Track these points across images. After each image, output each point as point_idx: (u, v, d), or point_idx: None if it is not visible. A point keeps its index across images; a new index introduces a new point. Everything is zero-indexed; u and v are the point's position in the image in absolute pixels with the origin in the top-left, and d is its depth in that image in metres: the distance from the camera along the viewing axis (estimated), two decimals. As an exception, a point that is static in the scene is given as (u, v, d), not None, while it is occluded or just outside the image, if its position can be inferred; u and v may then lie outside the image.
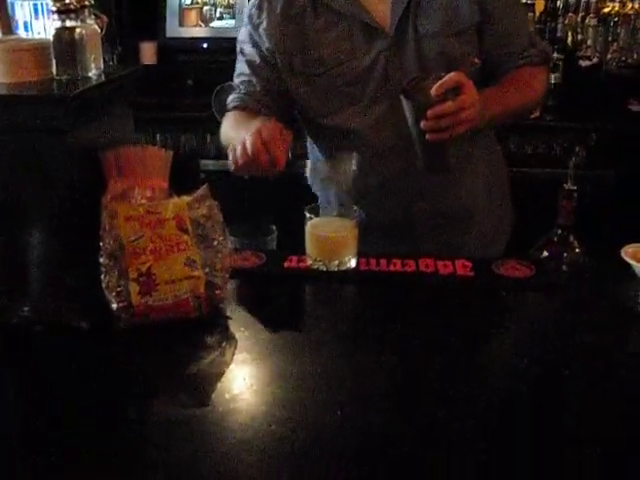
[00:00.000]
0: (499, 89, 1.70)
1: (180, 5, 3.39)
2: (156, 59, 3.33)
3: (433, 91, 1.42)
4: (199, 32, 3.37)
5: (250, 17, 1.78)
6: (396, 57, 1.68)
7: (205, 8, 3.39)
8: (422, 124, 1.44)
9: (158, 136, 3.14)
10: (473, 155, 1.82)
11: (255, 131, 1.42)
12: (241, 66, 1.82)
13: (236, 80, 1.83)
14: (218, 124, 3.11)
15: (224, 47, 3.29)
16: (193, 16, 3.40)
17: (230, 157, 1.47)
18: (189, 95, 3.26)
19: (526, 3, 3.36)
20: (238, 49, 1.84)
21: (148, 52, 3.33)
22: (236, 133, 1.61)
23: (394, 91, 1.59)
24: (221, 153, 3.10)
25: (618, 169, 3.10)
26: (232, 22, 3.35)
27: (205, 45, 3.34)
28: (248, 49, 1.80)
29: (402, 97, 1.48)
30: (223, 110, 1.86)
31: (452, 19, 1.69)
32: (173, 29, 3.38)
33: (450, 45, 1.70)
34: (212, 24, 3.37)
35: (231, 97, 1.82)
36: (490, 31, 1.74)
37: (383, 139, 1.73)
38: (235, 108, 1.79)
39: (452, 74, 1.43)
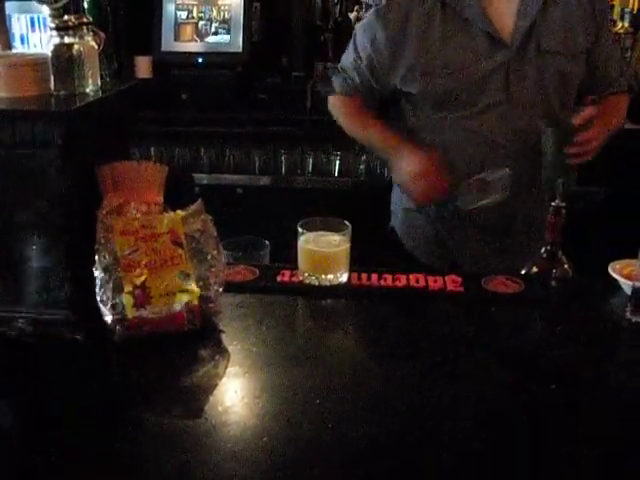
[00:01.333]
0: (604, 117, 1.82)
1: (176, 20, 3.40)
2: (151, 73, 3.34)
3: (576, 121, 1.70)
4: (194, 47, 3.39)
5: (377, 11, 1.90)
6: (517, 69, 1.80)
7: (200, 23, 3.40)
8: (568, 149, 1.72)
9: (153, 150, 3.16)
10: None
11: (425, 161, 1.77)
12: (351, 53, 1.97)
13: (344, 61, 2.01)
14: (212, 139, 3.16)
15: (219, 62, 3.34)
16: (188, 31, 3.42)
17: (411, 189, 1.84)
18: (184, 109, 3.28)
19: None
20: (354, 33, 1.98)
21: (143, 66, 3.34)
22: (382, 144, 1.93)
23: (511, 100, 1.81)
24: (214, 167, 3.16)
25: (608, 186, 3.13)
26: (227, 37, 3.36)
27: (200, 60, 3.36)
28: (362, 41, 1.93)
29: (545, 127, 1.74)
30: (328, 88, 2.07)
31: (570, 41, 1.83)
32: (168, 43, 3.40)
33: (566, 65, 1.84)
34: (207, 39, 3.39)
35: (338, 80, 2.02)
36: (593, 56, 1.89)
37: (493, 142, 1.85)
38: (341, 93, 2.01)
39: (589, 108, 1.74)
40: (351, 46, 1.98)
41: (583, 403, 1.20)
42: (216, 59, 3.35)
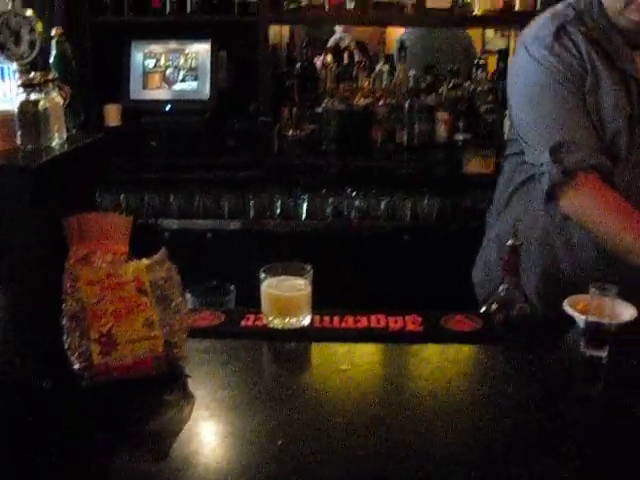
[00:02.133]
0: None
1: (144, 68, 3.46)
2: (121, 121, 3.39)
3: None
4: (162, 94, 3.44)
5: (550, 69, 1.79)
6: None
7: (168, 71, 3.46)
8: None
9: (122, 196, 3.19)
10: None
11: None
12: (562, 115, 1.80)
13: (567, 136, 1.77)
14: (181, 184, 3.19)
15: (187, 109, 3.40)
16: (156, 79, 3.48)
17: None
18: (153, 156, 3.32)
19: (477, 64, 3.51)
20: (538, 99, 1.84)
21: (113, 114, 3.39)
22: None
23: None
24: (184, 213, 3.20)
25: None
26: (195, 84, 3.43)
27: (168, 107, 3.41)
28: (560, 97, 1.80)
29: None
30: (565, 172, 1.76)
31: None
32: (137, 91, 3.45)
33: None
34: (175, 86, 3.45)
35: (579, 156, 1.75)
36: None
37: (632, 194, 1.78)
38: (592, 167, 1.75)
39: None
40: (549, 108, 1.82)
41: (538, 438, 1.23)
42: (184, 106, 3.41)
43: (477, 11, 3.33)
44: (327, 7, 3.31)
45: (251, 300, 1.70)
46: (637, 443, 1.23)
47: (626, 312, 1.59)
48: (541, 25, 1.86)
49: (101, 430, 1.24)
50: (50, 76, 1.43)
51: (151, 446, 1.18)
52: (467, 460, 1.17)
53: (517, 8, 3.37)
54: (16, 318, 1.37)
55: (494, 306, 1.66)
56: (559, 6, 1.88)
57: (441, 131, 3.38)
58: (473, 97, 3.44)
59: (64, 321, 1.33)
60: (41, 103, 1.40)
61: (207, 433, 1.24)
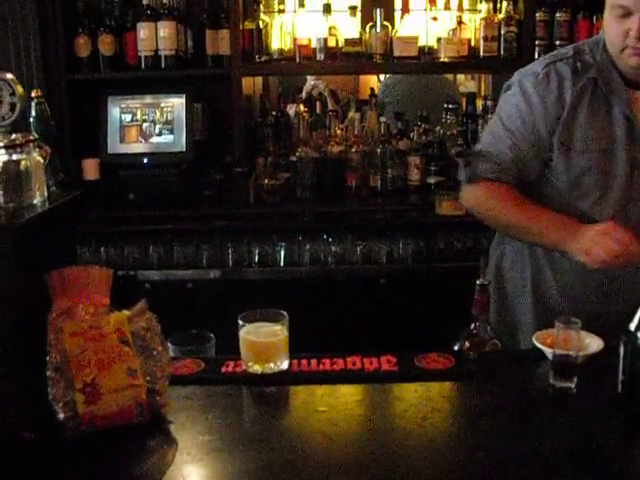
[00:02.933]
0: None
1: (121, 123, 3.53)
2: (99, 175, 3.44)
3: None
4: (139, 148, 3.50)
5: (525, 90, 1.96)
6: None
7: (145, 125, 3.53)
8: None
9: (102, 249, 3.23)
10: None
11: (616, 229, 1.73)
12: (499, 133, 1.98)
13: (489, 148, 1.99)
14: (160, 236, 3.24)
15: (164, 161, 3.46)
16: (133, 133, 3.54)
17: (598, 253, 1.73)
18: (131, 208, 3.36)
19: (447, 108, 3.61)
20: (498, 113, 2.02)
21: (91, 168, 3.45)
22: (556, 232, 1.85)
23: (630, 198, 1.90)
24: (163, 263, 3.24)
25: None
26: (171, 137, 3.49)
27: (145, 160, 3.47)
28: (511, 116, 1.96)
29: None
30: (473, 176, 2.01)
31: None
32: (114, 146, 3.51)
33: None
34: (152, 140, 3.51)
35: (485, 166, 1.97)
36: None
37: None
38: (485, 179, 1.97)
39: None
40: (496, 125, 2.01)
41: (514, 470, 1.29)
42: (161, 159, 3.47)
43: (443, 58, 3.44)
44: (298, 58, 3.41)
45: (232, 348, 1.74)
46: (605, 468, 1.28)
47: (593, 344, 1.66)
48: (537, 61, 2.04)
49: (88, 476, 1.27)
50: (31, 137, 1.49)
51: (136, 491, 1.22)
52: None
53: (482, 54, 3.49)
54: (1, 371, 1.40)
55: (466, 344, 1.72)
56: (565, 48, 2.06)
57: (413, 175, 3.46)
58: (444, 140, 3.53)
59: (49, 372, 1.37)
60: (23, 163, 1.46)
61: (191, 476, 1.27)
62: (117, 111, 3.53)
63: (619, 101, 1.91)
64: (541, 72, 1.96)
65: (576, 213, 1.90)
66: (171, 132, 3.51)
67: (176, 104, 3.51)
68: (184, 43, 3.48)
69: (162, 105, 3.52)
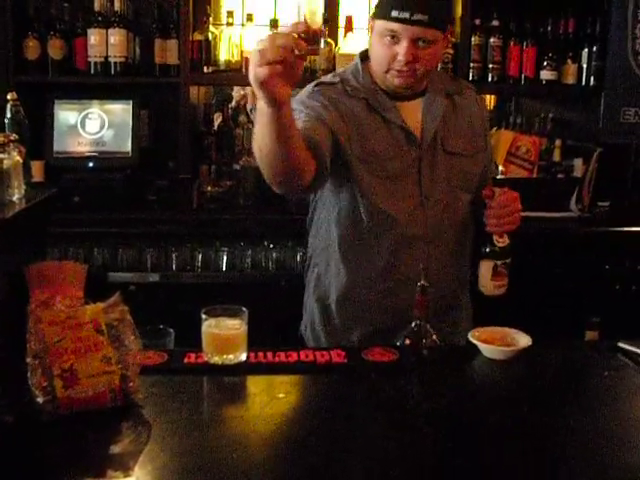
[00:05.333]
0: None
1: (67, 126, 3.56)
2: (44, 177, 3.47)
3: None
4: (85, 152, 3.54)
5: (306, 104, 2.01)
6: (428, 167, 2.07)
7: (91, 129, 3.55)
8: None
9: (47, 250, 3.27)
10: (466, 249, 2.23)
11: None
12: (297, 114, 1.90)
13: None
14: (105, 239, 3.29)
15: (109, 166, 3.52)
16: (79, 137, 3.56)
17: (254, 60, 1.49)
18: (76, 211, 3.36)
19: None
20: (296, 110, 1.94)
21: (35, 170, 3.47)
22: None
23: (425, 192, 2.06)
24: (107, 266, 3.31)
25: (474, 267, 3.46)
26: (117, 142, 3.54)
27: (91, 164, 3.51)
28: (299, 113, 1.94)
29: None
30: None
31: (472, 142, 2.16)
32: (60, 149, 3.54)
33: (469, 165, 2.15)
34: (97, 144, 3.53)
35: None
36: (485, 154, 2.22)
37: (412, 229, 2.08)
38: None
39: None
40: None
41: (452, 442, 1.46)
42: (106, 163, 3.54)
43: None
44: (244, 70, 3.52)
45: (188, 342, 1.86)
46: (525, 448, 1.45)
47: (523, 340, 1.83)
48: (304, 89, 2.13)
49: (67, 456, 1.37)
50: (12, 137, 1.59)
51: (119, 465, 1.33)
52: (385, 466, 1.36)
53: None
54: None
55: (407, 340, 1.86)
56: (329, 77, 2.18)
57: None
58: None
59: (28, 359, 1.46)
60: (5, 162, 1.55)
61: (162, 451, 1.39)
62: (64, 115, 3.57)
63: (392, 115, 2.08)
64: (315, 90, 2.09)
65: (380, 212, 2.06)
66: (118, 138, 3.58)
67: (123, 110, 3.58)
68: (133, 51, 3.57)
69: (110, 111, 3.59)
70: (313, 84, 2.13)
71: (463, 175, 2.14)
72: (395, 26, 1.95)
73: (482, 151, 2.20)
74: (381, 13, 1.99)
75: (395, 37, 1.96)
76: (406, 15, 1.92)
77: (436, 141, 2.10)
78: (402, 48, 1.96)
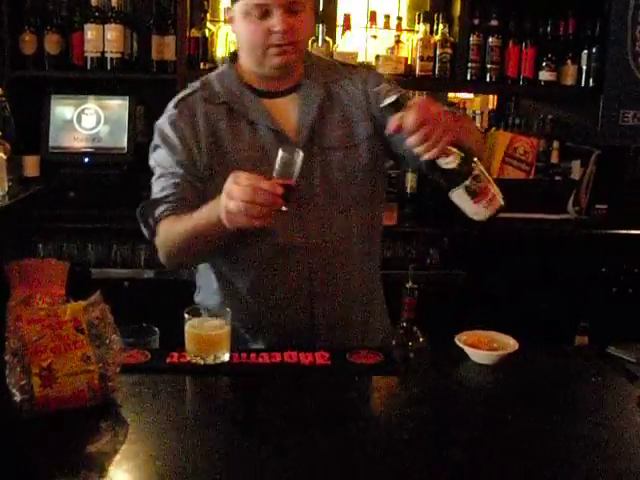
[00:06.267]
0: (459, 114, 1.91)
1: (63, 121, 3.55)
2: (39, 172, 3.47)
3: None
4: (81, 147, 3.53)
5: (165, 137, 1.93)
6: (304, 166, 1.80)
7: (87, 124, 3.54)
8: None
9: (41, 246, 3.22)
10: (370, 258, 2.06)
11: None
12: (163, 182, 1.91)
13: (160, 195, 1.90)
14: (99, 234, 3.28)
15: (105, 162, 3.52)
16: (75, 132, 3.55)
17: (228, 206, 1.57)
18: (71, 206, 3.36)
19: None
20: (156, 169, 1.95)
21: (31, 165, 3.46)
22: (200, 213, 1.74)
23: (302, 197, 1.85)
24: (101, 262, 3.31)
25: (468, 269, 3.46)
26: (113, 138, 3.53)
27: (87, 159, 3.51)
28: (163, 162, 1.92)
29: None
30: (151, 223, 1.92)
31: (349, 134, 1.96)
32: (56, 144, 3.53)
33: (351, 157, 1.94)
34: (93, 140, 3.52)
35: (160, 209, 1.88)
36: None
37: (289, 239, 1.90)
38: (167, 216, 1.86)
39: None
40: (158, 175, 1.94)
41: (434, 448, 1.44)
42: (102, 159, 3.54)
43: (381, 74, 3.59)
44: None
45: (167, 343, 1.85)
46: (510, 453, 1.43)
47: (510, 344, 1.82)
48: (171, 101, 2.02)
49: (43, 454, 1.37)
50: (-5, 135, 1.58)
51: (94, 465, 1.32)
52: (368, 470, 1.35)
53: (417, 73, 3.67)
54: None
55: (394, 342, 1.86)
56: (193, 83, 2.04)
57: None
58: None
59: (7, 357, 1.46)
60: (-13, 159, 1.54)
61: (140, 453, 1.37)
62: (60, 110, 3.57)
63: (258, 115, 1.92)
64: (174, 113, 1.95)
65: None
66: (113, 133, 3.57)
67: (119, 106, 3.58)
68: (130, 46, 3.56)
69: (106, 106, 3.58)
70: (173, 103, 1.99)
71: (343, 169, 1.94)
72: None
73: (367, 139, 1.97)
74: None
75: (264, 10, 1.79)
76: None
77: (313, 138, 1.93)
78: (276, 18, 1.79)
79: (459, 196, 1.65)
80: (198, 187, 1.89)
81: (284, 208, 1.60)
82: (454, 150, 1.61)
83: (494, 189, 1.66)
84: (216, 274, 2.04)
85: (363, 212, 2.00)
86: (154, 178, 1.96)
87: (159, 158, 1.96)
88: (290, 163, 1.61)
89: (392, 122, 1.61)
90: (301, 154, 1.62)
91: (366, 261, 2.04)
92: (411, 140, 1.58)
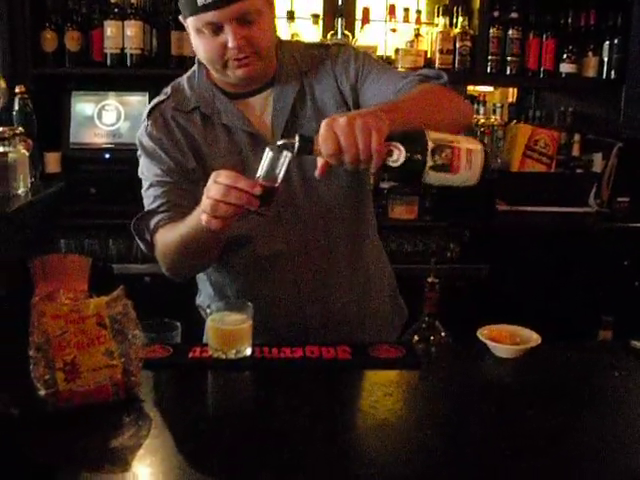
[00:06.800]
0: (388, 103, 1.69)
1: (84, 117, 3.58)
2: (60, 168, 3.49)
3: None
4: (101, 143, 3.56)
5: (145, 148, 1.91)
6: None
7: (107, 121, 3.58)
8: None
9: (62, 242, 3.26)
10: (362, 257, 2.02)
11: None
12: (153, 192, 1.89)
13: (152, 206, 1.88)
14: (120, 230, 3.30)
15: (125, 157, 3.49)
16: (96, 128, 3.59)
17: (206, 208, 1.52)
18: (92, 202, 3.39)
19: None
20: (144, 180, 1.93)
21: (52, 161, 3.49)
22: (189, 219, 1.69)
23: (281, 199, 1.76)
24: (122, 258, 3.32)
25: (489, 263, 3.45)
26: (133, 134, 3.51)
27: (107, 155, 3.53)
28: (155, 173, 1.88)
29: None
30: (147, 237, 1.94)
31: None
32: (77, 140, 3.55)
33: None
34: (114, 136, 3.56)
35: (155, 220, 1.87)
36: (365, 99, 1.84)
37: (270, 246, 1.90)
38: (164, 226, 1.85)
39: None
40: (146, 186, 1.92)
41: (455, 448, 1.43)
42: (123, 155, 3.50)
43: (400, 68, 3.59)
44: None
45: (190, 337, 1.85)
46: (532, 450, 1.42)
47: (532, 338, 1.81)
48: (145, 110, 1.98)
49: (67, 448, 1.37)
50: (18, 130, 1.59)
51: (117, 459, 1.33)
52: (389, 465, 1.35)
53: (437, 66, 3.65)
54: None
55: (416, 337, 1.85)
56: (165, 89, 2.00)
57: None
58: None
59: (31, 352, 1.46)
60: (10, 155, 1.55)
61: (162, 447, 1.38)
62: (81, 106, 3.59)
63: (232, 118, 1.87)
64: (149, 123, 1.91)
65: (234, 237, 1.85)
66: (133, 129, 3.57)
67: (139, 102, 3.59)
68: (149, 42, 3.58)
69: (125, 102, 3.61)
70: (146, 112, 1.95)
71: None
72: (209, 15, 1.69)
73: None
74: (188, 9, 1.75)
75: (216, 27, 1.70)
76: None
77: (289, 133, 1.80)
78: (230, 35, 1.70)
79: (434, 178, 1.48)
80: (191, 190, 1.83)
81: (260, 210, 1.53)
82: (394, 143, 1.45)
83: (465, 145, 1.48)
84: (209, 280, 2.06)
85: (348, 211, 1.96)
86: (143, 190, 1.94)
87: (146, 169, 1.93)
88: (275, 164, 1.52)
89: (318, 169, 1.53)
90: (288, 155, 1.52)
91: (356, 260, 2.01)
92: (345, 165, 1.46)
